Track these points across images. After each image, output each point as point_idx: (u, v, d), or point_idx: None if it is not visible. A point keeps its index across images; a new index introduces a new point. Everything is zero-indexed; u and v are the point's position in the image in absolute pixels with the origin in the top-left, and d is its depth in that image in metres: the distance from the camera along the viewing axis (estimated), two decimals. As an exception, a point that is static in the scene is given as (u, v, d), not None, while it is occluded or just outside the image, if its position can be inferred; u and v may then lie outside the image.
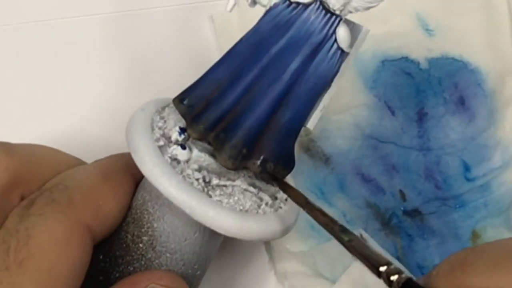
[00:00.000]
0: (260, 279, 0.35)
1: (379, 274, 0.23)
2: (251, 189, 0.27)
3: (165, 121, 0.28)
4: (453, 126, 0.38)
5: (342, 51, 0.26)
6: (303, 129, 0.28)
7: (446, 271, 0.23)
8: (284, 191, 0.27)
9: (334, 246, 0.35)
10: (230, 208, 0.26)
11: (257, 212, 0.26)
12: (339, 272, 0.34)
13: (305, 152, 0.36)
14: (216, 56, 0.27)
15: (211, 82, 0.27)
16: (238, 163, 0.26)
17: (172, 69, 0.37)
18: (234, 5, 0.27)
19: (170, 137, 0.27)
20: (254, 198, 0.27)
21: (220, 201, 0.26)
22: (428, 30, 0.39)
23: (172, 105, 0.28)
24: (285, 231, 0.27)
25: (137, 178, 0.28)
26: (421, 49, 0.38)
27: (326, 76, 0.27)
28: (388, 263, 0.23)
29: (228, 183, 0.26)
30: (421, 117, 0.38)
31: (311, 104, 0.27)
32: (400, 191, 0.36)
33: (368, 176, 0.37)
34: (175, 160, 0.26)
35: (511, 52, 0.38)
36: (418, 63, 0.38)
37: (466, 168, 0.37)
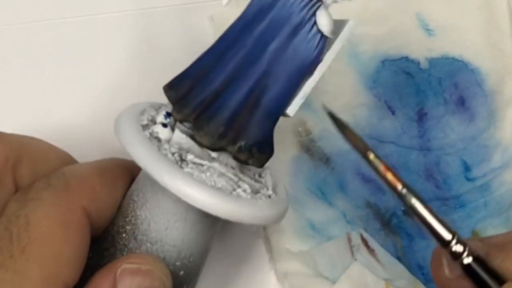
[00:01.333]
0: (260, 279, 0.35)
1: (447, 244, 0.22)
2: (230, 175, 0.27)
3: (157, 112, 0.28)
4: (453, 126, 0.37)
5: (322, 35, 0.27)
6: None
7: None
8: (343, 134, 0.27)
9: (334, 246, 0.35)
10: (200, 181, 0.26)
11: (230, 193, 0.26)
12: (339, 272, 0.34)
13: (305, 152, 0.36)
14: (216, 55, 0.27)
15: (198, 68, 0.27)
16: (214, 141, 0.26)
17: (172, 69, 0.37)
18: None
19: (155, 120, 0.28)
20: (230, 182, 0.27)
21: (191, 173, 0.26)
22: (428, 30, 0.38)
23: (167, 103, 0.28)
24: (259, 219, 0.27)
25: (134, 178, 0.28)
26: (421, 49, 0.38)
27: (305, 58, 0.27)
28: (454, 233, 0.22)
29: (204, 162, 0.27)
30: (421, 117, 0.38)
31: (290, 88, 0.27)
32: (400, 191, 0.36)
33: (368, 176, 0.36)
34: (156, 138, 0.27)
35: (511, 52, 0.38)
36: (418, 63, 0.38)
37: (466, 168, 0.37)
